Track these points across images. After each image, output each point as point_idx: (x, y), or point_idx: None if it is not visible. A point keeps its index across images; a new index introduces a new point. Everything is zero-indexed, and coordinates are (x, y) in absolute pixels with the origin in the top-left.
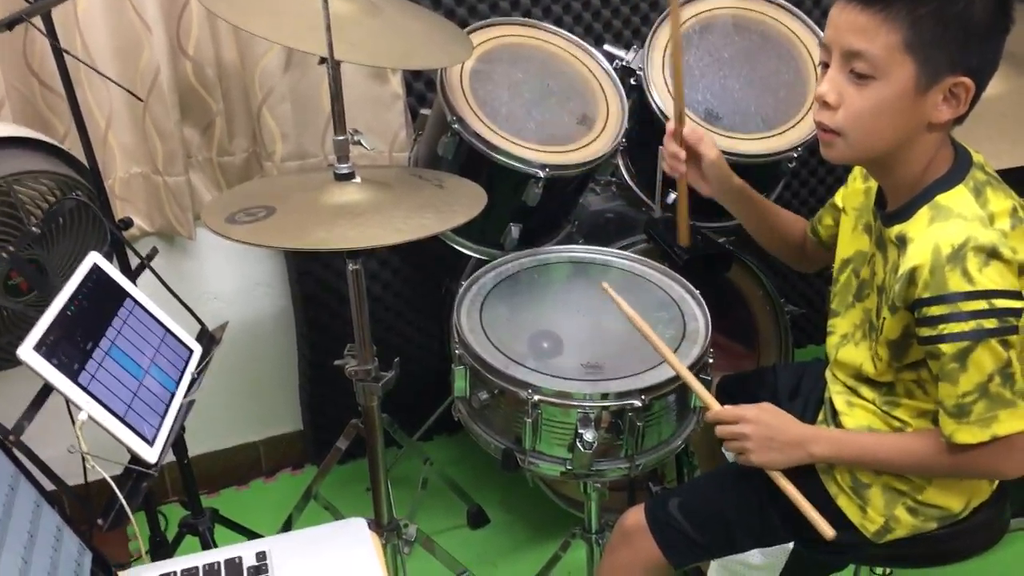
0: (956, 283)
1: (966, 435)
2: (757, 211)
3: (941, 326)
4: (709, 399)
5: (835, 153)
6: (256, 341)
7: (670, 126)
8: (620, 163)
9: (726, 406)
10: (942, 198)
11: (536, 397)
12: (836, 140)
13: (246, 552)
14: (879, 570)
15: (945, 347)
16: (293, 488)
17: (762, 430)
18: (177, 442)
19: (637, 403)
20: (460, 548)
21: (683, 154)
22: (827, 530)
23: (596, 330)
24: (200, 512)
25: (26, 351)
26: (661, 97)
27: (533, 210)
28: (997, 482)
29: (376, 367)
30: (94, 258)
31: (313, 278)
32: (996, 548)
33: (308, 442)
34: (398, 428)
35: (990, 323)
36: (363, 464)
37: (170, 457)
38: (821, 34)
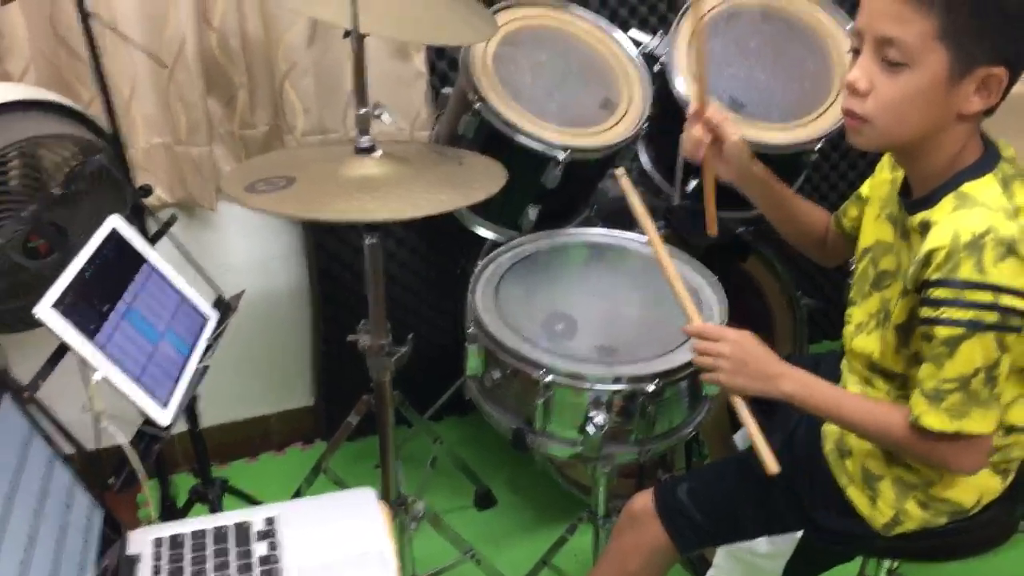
0: (967, 271)
1: (933, 420)
2: (777, 199)
3: (942, 308)
4: (691, 309)
5: (862, 140)
6: (271, 315)
7: (693, 106)
8: (641, 149)
9: (710, 323)
10: (968, 187)
11: (549, 377)
12: (864, 127)
13: (255, 516)
14: (887, 563)
15: (939, 330)
16: (303, 463)
17: (738, 352)
18: (190, 411)
19: (650, 387)
20: (467, 528)
21: (707, 136)
22: (772, 466)
23: (611, 314)
24: (210, 481)
25: (44, 309)
26: (685, 85)
27: (552, 193)
28: (1010, 479)
29: (389, 342)
30: (113, 221)
31: (330, 253)
32: (1004, 547)
33: (320, 417)
34: (409, 406)
35: (990, 317)
36: (373, 441)
37: (182, 427)
38: (850, 23)
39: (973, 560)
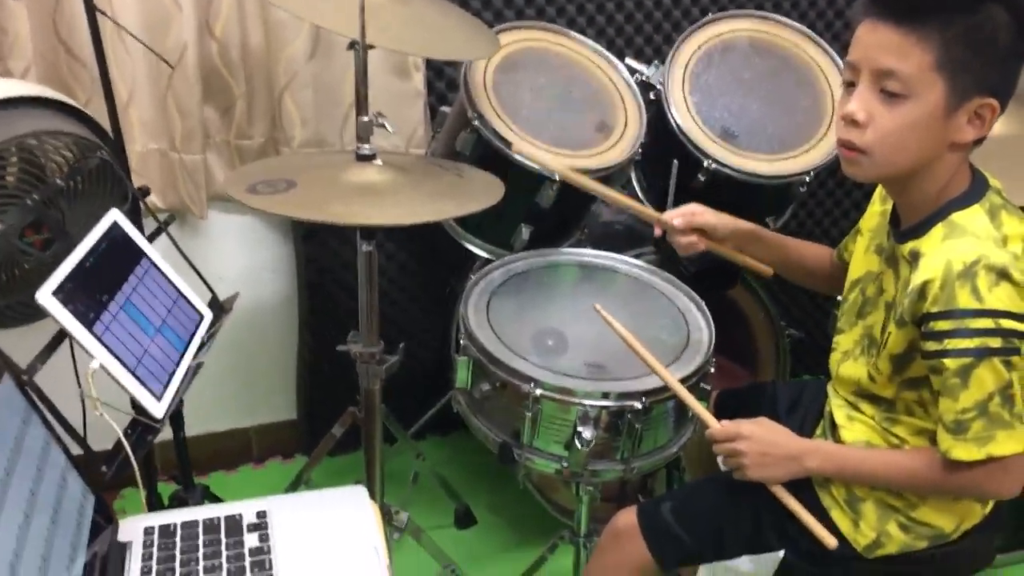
0: (965, 299)
1: (962, 452)
2: (777, 248)
3: (946, 341)
4: (707, 416)
5: (859, 171)
6: (257, 326)
7: (657, 230)
8: (633, 176)
9: (723, 422)
10: (957, 216)
11: (538, 391)
12: (862, 158)
13: (246, 509)
14: None
15: (948, 362)
16: (282, 476)
17: (756, 446)
18: (174, 415)
19: (637, 405)
20: (446, 546)
21: (692, 237)
22: (829, 540)
23: (601, 332)
24: (192, 487)
25: (44, 295)
26: (679, 113)
27: (545, 212)
28: (990, 507)
29: (381, 349)
30: (114, 215)
31: (319, 266)
32: None
33: (301, 431)
34: (394, 421)
35: (994, 342)
36: (355, 457)
37: (163, 436)
38: (839, 60)
39: None
